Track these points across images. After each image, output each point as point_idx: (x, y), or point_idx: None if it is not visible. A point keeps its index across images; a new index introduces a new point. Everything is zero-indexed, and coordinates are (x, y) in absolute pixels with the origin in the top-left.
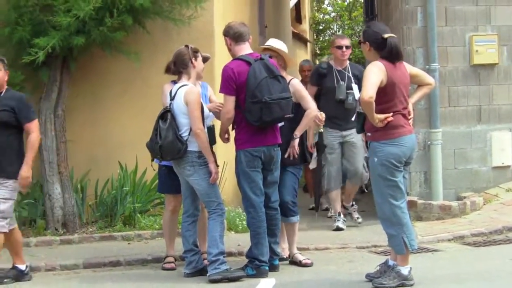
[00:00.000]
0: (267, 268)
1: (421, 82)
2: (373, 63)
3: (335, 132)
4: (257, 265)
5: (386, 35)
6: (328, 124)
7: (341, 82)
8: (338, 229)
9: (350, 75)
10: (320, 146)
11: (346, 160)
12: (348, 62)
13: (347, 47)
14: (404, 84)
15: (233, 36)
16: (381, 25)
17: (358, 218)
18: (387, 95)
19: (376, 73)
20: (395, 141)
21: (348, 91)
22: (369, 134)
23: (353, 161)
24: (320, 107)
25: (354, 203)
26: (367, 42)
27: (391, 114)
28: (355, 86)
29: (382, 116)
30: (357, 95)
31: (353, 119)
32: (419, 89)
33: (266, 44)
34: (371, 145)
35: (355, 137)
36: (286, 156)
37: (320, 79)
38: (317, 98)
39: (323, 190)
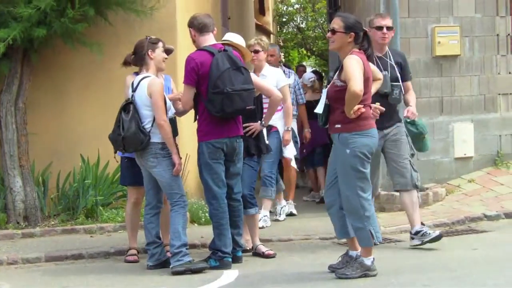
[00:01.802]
0: (230, 259)
1: (374, 77)
2: (352, 57)
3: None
4: (220, 256)
5: (366, 28)
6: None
7: (384, 72)
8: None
9: (393, 63)
10: None
11: (390, 161)
12: (387, 47)
13: (388, 28)
14: (371, 77)
15: (197, 27)
16: (353, 16)
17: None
18: (363, 89)
19: (358, 67)
20: (367, 132)
21: (393, 83)
22: (338, 126)
23: (396, 160)
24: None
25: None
26: (351, 33)
27: (362, 106)
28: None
29: (355, 107)
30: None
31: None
32: (373, 84)
33: (223, 39)
34: (340, 136)
35: (398, 132)
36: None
37: None
38: None
39: None
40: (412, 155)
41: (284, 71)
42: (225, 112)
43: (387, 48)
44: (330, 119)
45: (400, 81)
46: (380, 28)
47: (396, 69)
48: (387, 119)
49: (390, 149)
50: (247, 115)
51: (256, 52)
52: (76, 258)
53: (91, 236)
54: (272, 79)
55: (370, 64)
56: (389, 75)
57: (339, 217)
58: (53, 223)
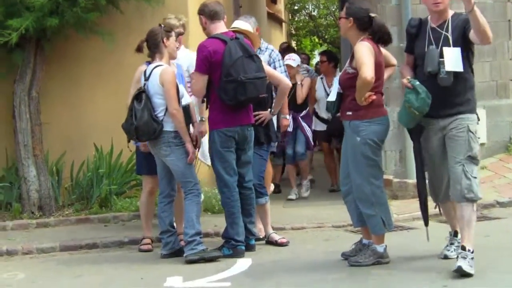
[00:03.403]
0: (243, 248)
1: (387, 63)
2: (362, 43)
3: (429, 121)
4: (233, 245)
5: (372, 14)
6: None
7: (431, 47)
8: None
9: (449, 34)
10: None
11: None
12: (451, 14)
13: None
14: (383, 64)
15: (208, 14)
16: (366, 3)
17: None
18: (374, 76)
19: (369, 53)
20: (379, 120)
21: (441, 59)
22: (349, 113)
23: (449, 161)
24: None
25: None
26: (350, 18)
27: (373, 93)
28: (451, 51)
29: (367, 94)
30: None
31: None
32: (386, 70)
33: (233, 26)
34: (351, 124)
35: (456, 127)
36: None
37: (411, 42)
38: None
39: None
40: (471, 157)
41: (260, 48)
42: (238, 100)
43: (448, 15)
44: (342, 106)
45: (448, 55)
46: None
47: (451, 40)
48: (442, 106)
49: (447, 148)
50: (257, 103)
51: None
52: (90, 247)
53: (105, 225)
54: (184, 63)
55: (383, 49)
56: (439, 49)
57: (356, 205)
58: (67, 212)
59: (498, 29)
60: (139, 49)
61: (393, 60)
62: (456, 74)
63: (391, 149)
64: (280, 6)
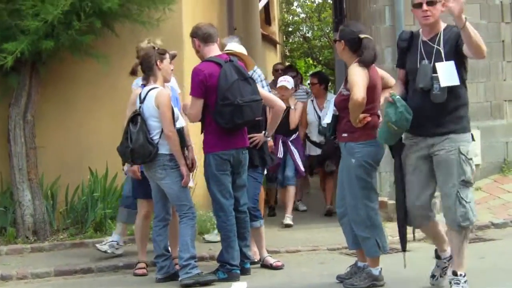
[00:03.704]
0: (238, 271)
1: (386, 84)
2: (355, 65)
3: (418, 139)
4: (228, 269)
5: (362, 36)
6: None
7: (424, 62)
8: None
9: (441, 47)
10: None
11: (439, 185)
12: (443, 27)
13: (430, 3)
14: (380, 86)
15: (202, 37)
16: (358, 25)
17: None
18: (368, 98)
19: (362, 74)
20: (374, 141)
21: (434, 74)
22: (345, 135)
23: (441, 186)
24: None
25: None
26: (342, 41)
27: (369, 115)
28: (444, 66)
29: (361, 116)
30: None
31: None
32: (383, 92)
33: (226, 49)
34: (347, 146)
35: (446, 148)
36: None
37: (402, 57)
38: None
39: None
40: (465, 182)
41: None
42: (235, 124)
43: (441, 28)
44: (338, 128)
45: (440, 70)
46: (418, 5)
47: (444, 54)
48: (432, 123)
49: (436, 170)
50: (252, 126)
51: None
52: (85, 272)
53: None
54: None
55: (382, 71)
56: (432, 64)
57: (351, 227)
58: (62, 237)
59: (492, 50)
60: (133, 72)
61: (392, 81)
62: (450, 89)
63: (386, 170)
64: (275, 27)
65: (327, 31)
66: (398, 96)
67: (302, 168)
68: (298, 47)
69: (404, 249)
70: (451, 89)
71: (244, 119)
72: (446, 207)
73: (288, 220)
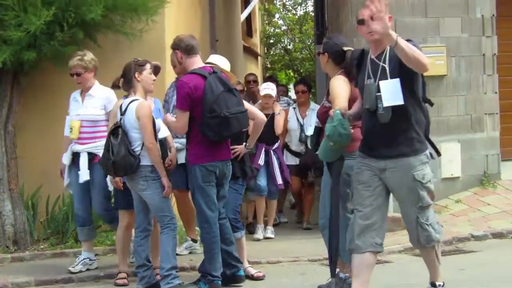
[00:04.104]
0: (219, 282)
1: None
2: (337, 77)
3: (370, 160)
4: (209, 280)
5: (345, 48)
6: (360, 147)
7: (368, 81)
8: None
9: (387, 65)
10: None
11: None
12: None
13: (374, 19)
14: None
15: (185, 48)
16: (341, 38)
17: None
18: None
19: (344, 86)
20: (354, 154)
21: (378, 93)
22: None
23: (400, 208)
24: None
25: None
26: (326, 53)
27: (351, 127)
28: (387, 84)
29: None
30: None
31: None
32: None
33: (207, 61)
34: None
35: (398, 176)
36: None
37: (357, 75)
38: None
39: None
40: (422, 206)
41: None
42: (222, 136)
43: (387, 46)
44: (321, 140)
45: (384, 88)
46: (362, 21)
47: (389, 72)
48: (382, 145)
49: (392, 193)
50: (234, 137)
51: (78, 75)
52: (66, 281)
53: None
54: (101, 101)
55: None
56: (377, 83)
57: None
58: (42, 247)
59: (473, 63)
60: (113, 86)
61: None
62: (397, 109)
63: None
64: (256, 39)
65: (309, 43)
66: (338, 111)
67: (280, 181)
68: (279, 59)
69: (332, 276)
70: (398, 109)
71: (232, 131)
72: (408, 229)
73: (269, 232)
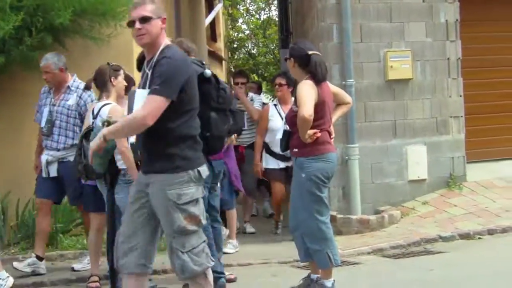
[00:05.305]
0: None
1: (341, 100)
2: (304, 82)
3: (140, 174)
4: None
5: (310, 52)
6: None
7: (132, 90)
8: None
9: (150, 72)
10: None
11: None
12: (162, 48)
13: (143, 20)
14: (330, 102)
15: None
16: (307, 43)
17: None
18: (317, 113)
19: (310, 91)
20: (323, 157)
21: None
22: (295, 150)
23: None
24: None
25: None
26: (291, 58)
27: (319, 130)
28: (138, 94)
29: (311, 131)
30: None
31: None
32: (338, 108)
33: None
34: (297, 160)
35: (154, 192)
36: None
37: None
38: None
39: None
40: (179, 230)
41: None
42: None
43: (158, 49)
44: (290, 143)
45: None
46: (131, 23)
47: (149, 80)
48: (145, 158)
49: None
50: None
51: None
52: (38, 285)
53: (52, 264)
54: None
55: (337, 87)
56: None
57: (303, 240)
58: (13, 251)
59: (438, 67)
60: (86, 88)
61: (347, 98)
62: (155, 123)
63: (334, 185)
64: (220, 44)
65: (272, 47)
66: (106, 119)
67: (240, 186)
68: (243, 63)
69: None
70: (156, 122)
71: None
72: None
73: (229, 247)
